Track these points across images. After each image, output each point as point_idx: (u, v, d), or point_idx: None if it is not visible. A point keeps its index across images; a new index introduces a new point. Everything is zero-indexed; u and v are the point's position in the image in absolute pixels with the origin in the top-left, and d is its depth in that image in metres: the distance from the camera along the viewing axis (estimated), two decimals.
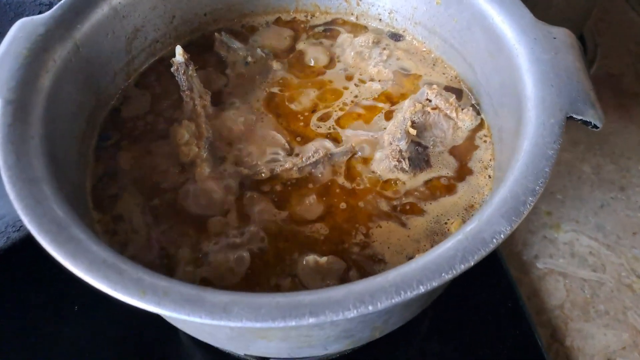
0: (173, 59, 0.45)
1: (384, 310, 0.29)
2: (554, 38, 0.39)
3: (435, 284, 0.27)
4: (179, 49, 0.45)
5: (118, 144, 0.46)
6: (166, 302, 0.27)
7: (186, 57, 0.45)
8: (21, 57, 0.39)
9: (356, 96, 0.50)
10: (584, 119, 0.35)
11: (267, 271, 0.38)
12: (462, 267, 0.28)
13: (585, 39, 0.76)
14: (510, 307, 0.53)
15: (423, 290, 0.27)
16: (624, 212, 0.63)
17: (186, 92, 0.45)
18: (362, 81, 0.50)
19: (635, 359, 0.52)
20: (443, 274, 0.27)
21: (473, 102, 0.48)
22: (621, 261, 0.59)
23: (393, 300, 0.27)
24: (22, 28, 0.40)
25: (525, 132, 0.35)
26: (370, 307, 0.26)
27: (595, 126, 0.35)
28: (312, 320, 0.26)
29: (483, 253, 0.28)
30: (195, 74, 0.46)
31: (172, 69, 0.45)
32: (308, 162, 0.43)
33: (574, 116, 0.35)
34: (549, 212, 0.63)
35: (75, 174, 0.41)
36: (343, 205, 0.42)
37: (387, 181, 0.43)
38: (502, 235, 0.29)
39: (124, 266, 0.29)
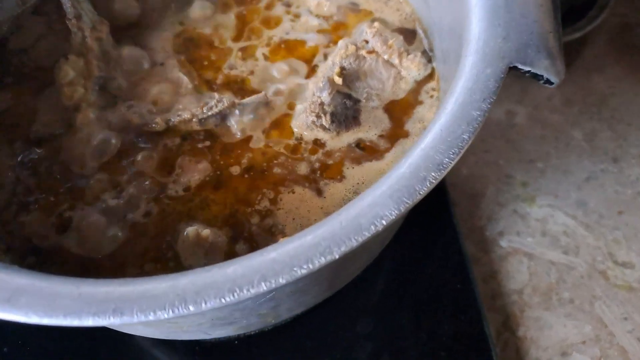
0: None
1: (236, 304, 0.23)
2: None
3: (282, 280, 0.21)
4: None
5: (1, 81, 0.39)
6: None
7: None
8: None
9: (287, 33, 0.41)
10: (533, 70, 0.26)
11: (144, 243, 0.32)
12: (323, 261, 0.21)
13: None
14: (460, 289, 0.47)
15: (266, 288, 0.21)
16: (612, 188, 0.54)
17: (72, 21, 0.38)
18: (297, 15, 0.42)
19: (594, 354, 0.45)
20: (295, 269, 0.21)
21: (426, 47, 0.39)
22: (599, 244, 0.51)
23: (223, 300, 0.20)
24: None
25: (455, 86, 0.27)
26: (191, 307, 0.20)
27: (548, 81, 0.27)
28: (114, 319, 0.20)
29: (353, 244, 0.21)
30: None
31: None
32: (210, 113, 0.36)
33: (519, 66, 0.26)
34: (525, 183, 0.54)
35: None
36: (248, 166, 0.35)
37: (305, 140, 0.36)
38: (383, 222, 0.22)
39: None
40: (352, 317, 0.46)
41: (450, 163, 0.23)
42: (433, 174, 0.23)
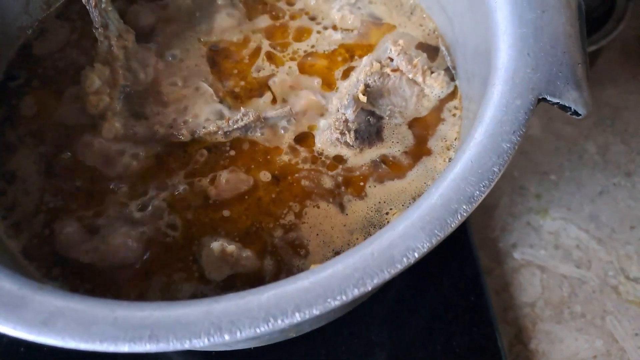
0: None
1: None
2: None
3: (316, 311, 0.21)
4: None
5: (27, 85, 0.40)
6: None
7: None
8: None
9: (312, 46, 0.41)
10: (562, 102, 0.27)
11: (169, 254, 0.33)
12: (356, 292, 0.22)
13: None
14: (473, 301, 0.47)
15: (299, 319, 0.21)
16: (625, 202, 0.54)
17: (99, 30, 0.38)
18: (323, 28, 0.42)
19: None
20: (329, 300, 0.21)
21: (449, 64, 0.39)
22: (610, 258, 0.51)
23: (257, 330, 0.21)
24: None
25: (483, 114, 0.27)
26: (227, 337, 0.21)
27: (576, 113, 0.27)
28: (150, 347, 0.21)
29: (386, 276, 0.22)
30: (111, 8, 0.38)
31: (83, 1, 0.38)
32: (236, 126, 0.36)
33: (549, 98, 0.27)
34: (538, 195, 0.55)
35: None
36: (271, 179, 0.35)
37: (328, 155, 0.36)
38: (415, 254, 0.22)
39: None
40: (367, 327, 0.46)
41: (481, 196, 0.24)
42: (464, 206, 0.23)
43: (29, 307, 0.22)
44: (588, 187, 0.55)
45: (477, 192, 0.24)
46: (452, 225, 0.23)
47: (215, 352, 0.44)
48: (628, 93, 0.61)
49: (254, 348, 0.44)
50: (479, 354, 0.45)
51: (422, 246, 0.22)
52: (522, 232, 0.53)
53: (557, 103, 0.27)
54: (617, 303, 0.49)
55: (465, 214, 0.23)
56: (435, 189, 0.25)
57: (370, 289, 0.22)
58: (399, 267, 0.22)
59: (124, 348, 0.21)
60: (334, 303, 0.21)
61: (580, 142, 0.58)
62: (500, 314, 0.48)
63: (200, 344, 0.21)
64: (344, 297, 0.21)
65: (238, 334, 0.21)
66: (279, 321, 0.21)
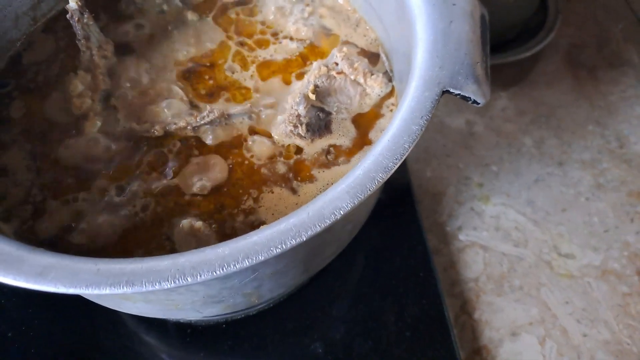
0: (67, 5, 0.42)
1: (224, 278, 0.29)
2: (454, 5, 0.36)
3: (261, 257, 0.27)
4: None
5: (15, 91, 0.44)
6: None
7: (80, 3, 0.42)
8: None
9: (271, 55, 0.47)
10: (462, 93, 0.33)
11: (145, 233, 0.38)
12: (293, 242, 0.27)
13: (547, 3, 0.71)
14: (423, 277, 0.53)
15: (248, 264, 0.27)
16: (558, 188, 0.61)
17: (82, 42, 0.43)
18: (279, 39, 0.48)
19: (540, 334, 0.52)
20: (272, 249, 0.27)
21: (387, 68, 0.46)
22: (545, 237, 0.58)
23: (214, 274, 0.26)
24: None
25: (401, 104, 0.33)
26: (189, 279, 0.26)
27: (475, 102, 0.33)
28: (127, 289, 0.26)
29: (318, 229, 0.27)
30: (92, 22, 0.43)
31: (67, 16, 0.43)
32: (202, 122, 0.42)
33: (451, 90, 0.33)
34: (481, 184, 0.61)
35: None
36: (235, 168, 0.41)
37: (284, 146, 0.42)
38: (341, 212, 0.28)
39: None
40: (328, 302, 0.52)
41: (394, 167, 0.30)
42: (380, 174, 0.29)
43: (26, 263, 0.27)
44: (525, 176, 0.62)
45: (391, 164, 0.30)
46: (370, 190, 0.29)
47: (190, 328, 0.49)
48: (562, 93, 0.69)
49: (225, 325, 0.49)
50: (429, 323, 0.51)
51: (346, 205, 0.28)
52: (467, 216, 0.59)
53: (459, 94, 0.33)
54: (550, 276, 0.56)
55: (381, 180, 0.29)
56: (360, 164, 0.30)
57: (304, 239, 0.27)
58: (328, 222, 0.28)
59: (106, 291, 0.26)
60: (276, 251, 0.27)
61: (518, 137, 0.65)
62: (447, 288, 0.54)
63: (167, 285, 0.26)
64: (283, 246, 0.27)
65: (198, 277, 0.26)
66: (232, 266, 0.26)
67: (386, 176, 0.29)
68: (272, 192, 0.40)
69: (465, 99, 0.33)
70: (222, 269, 0.26)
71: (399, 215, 0.58)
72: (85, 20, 0.43)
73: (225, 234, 0.37)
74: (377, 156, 0.30)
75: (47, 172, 0.40)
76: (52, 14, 0.49)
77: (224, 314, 0.46)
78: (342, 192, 0.29)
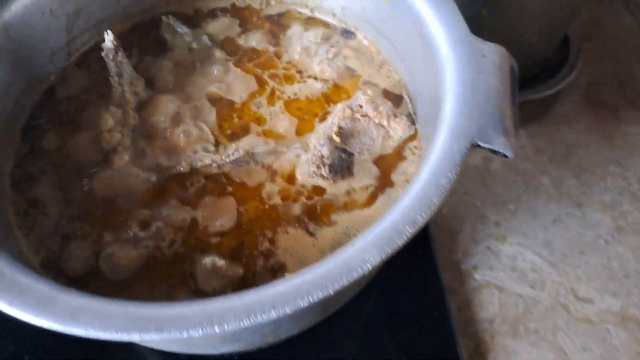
0: (102, 43, 0.44)
1: (250, 327, 0.29)
2: (483, 56, 0.37)
3: (288, 310, 0.27)
4: (108, 35, 0.44)
5: (48, 124, 0.46)
6: (18, 303, 0.27)
7: (115, 43, 0.44)
8: None
9: (295, 94, 0.48)
10: (492, 147, 0.33)
11: (168, 269, 0.39)
12: (320, 295, 0.27)
13: (569, 42, 0.72)
14: (437, 317, 0.53)
15: (275, 316, 0.27)
16: (576, 230, 0.61)
17: (115, 78, 0.44)
18: (304, 78, 0.49)
19: None
20: (299, 300, 0.27)
21: (411, 110, 0.46)
22: (562, 280, 0.58)
23: (242, 324, 0.27)
24: None
25: (429, 156, 0.34)
26: (216, 328, 0.26)
27: (504, 155, 0.34)
28: (154, 336, 0.26)
29: (344, 282, 0.28)
30: (125, 60, 0.45)
31: (102, 54, 0.44)
32: (227, 160, 0.43)
33: (480, 144, 0.33)
34: (498, 223, 0.61)
35: None
36: (258, 207, 0.42)
37: (306, 186, 0.43)
38: (368, 265, 0.28)
39: None
40: (340, 339, 0.52)
41: (422, 220, 0.30)
42: (408, 228, 0.30)
43: (58, 304, 0.27)
44: (543, 216, 0.62)
45: (419, 217, 0.30)
46: (398, 243, 0.29)
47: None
48: (581, 133, 0.69)
49: (238, 357, 0.49)
50: None
51: (373, 259, 0.28)
52: (483, 255, 0.59)
53: (488, 147, 0.33)
54: (567, 320, 0.55)
55: (409, 234, 0.30)
56: (388, 215, 0.31)
57: (332, 292, 0.28)
58: (355, 276, 0.28)
59: (135, 337, 0.26)
60: (303, 303, 0.27)
61: (536, 176, 0.65)
62: (461, 329, 0.54)
63: (196, 334, 0.26)
64: (310, 299, 0.27)
65: (226, 326, 0.26)
66: (259, 316, 0.27)
67: (414, 230, 0.30)
68: (287, 233, 0.40)
69: (494, 152, 0.33)
70: (249, 319, 0.27)
71: (414, 252, 0.58)
72: (119, 59, 0.44)
73: (246, 276, 0.38)
74: (405, 208, 0.31)
75: (75, 205, 0.41)
76: (85, 48, 0.50)
77: (239, 351, 0.46)
78: (369, 245, 0.29)
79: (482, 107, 0.35)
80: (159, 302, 0.28)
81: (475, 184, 0.64)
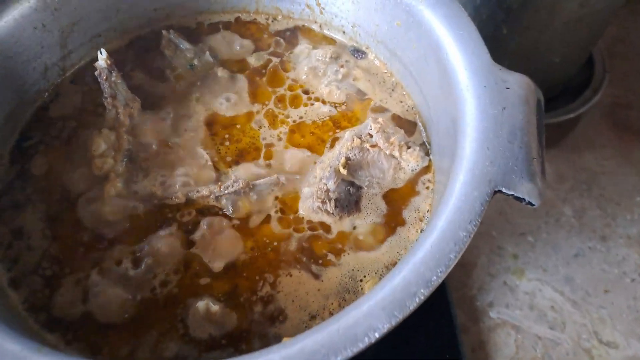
0: (96, 63, 0.41)
1: None
2: (507, 88, 0.33)
3: None
4: (101, 53, 0.41)
5: (39, 145, 0.43)
6: None
7: (109, 62, 0.41)
8: None
9: (301, 117, 0.45)
10: (516, 194, 0.30)
11: (159, 312, 0.35)
12: None
13: (594, 62, 0.68)
14: (448, 359, 0.49)
15: None
16: (599, 266, 0.57)
17: (108, 100, 0.42)
18: (311, 100, 0.46)
19: None
20: None
21: (425, 139, 0.43)
22: (584, 321, 0.53)
23: None
24: None
25: (445, 201, 0.30)
26: None
27: (530, 203, 0.30)
28: None
29: (348, 354, 0.24)
30: (120, 80, 0.42)
31: (95, 73, 0.42)
32: (226, 192, 0.39)
33: (504, 191, 0.30)
34: (515, 256, 0.57)
35: None
36: (258, 246, 0.38)
37: (310, 223, 0.39)
38: (376, 334, 0.25)
39: None
40: None
41: (438, 281, 0.27)
42: (422, 290, 0.26)
43: None
44: (564, 249, 0.58)
45: (435, 277, 0.27)
46: (410, 308, 0.26)
47: None
48: (604, 159, 0.65)
49: None
50: None
51: (382, 327, 0.25)
52: (499, 291, 0.55)
53: (512, 195, 0.30)
54: None
55: (423, 297, 0.26)
56: (398, 272, 0.27)
57: None
58: (361, 346, 0.25)
59: None
60: None
61: (557, 206, 0.61)
62: None
63: None
64: None
65: None
66: None
67: (428, 292, 0.26)
68: (290, 276, 0.37)
69: (519, 199, 0.30)
70: None
71: None
72: (113, 79, 0.41)
73: (242, 326, 0.35)
74: (418, 265, 0.27)
75: (62, 238, 0.38)
76: (81, 64, 0.48)
77: None
78: (378, 309, 0.26)
79: (506, 148, 0.31)
80: None
81: (492, 212, 0.60)
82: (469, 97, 0.34)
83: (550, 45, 0.59)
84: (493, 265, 0.57)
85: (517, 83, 0.34)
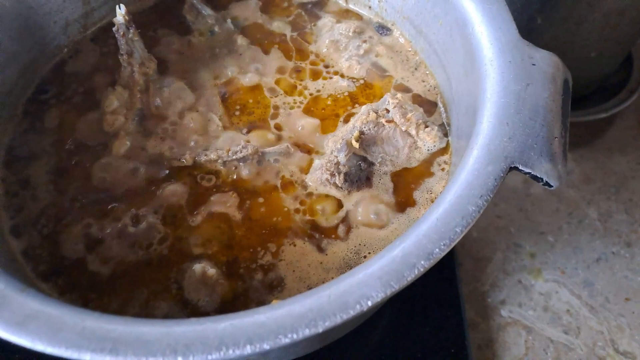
0: (114, 18, 0.41)
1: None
2: (533, 65, 0.31)
3: (266, 346, 0.23)
4: (120, 9, 0.40)
5: (53, 99, 0.43)
6: None
7: (127, 18, 0.40)
8: None
9: (318, 90, 0.44)
10: (534, 173, 0.28)
11: (153, 272, 0.35)
12: (307, 332, 0.23)
13: (633, 60, 0.64)
14: (454, 353, 0.47)
15: (249, 351, 0.23)
16: (622, 272, 0.54)
17: (124, 57, 0.41)
18: (330, 74, 0.44)
19: None
20: (280, 336, 0.23)
21: (444, 120, 0.41)
22: (601, 328, 0.51)
23: (209, 357, 0.22)
24: None
25: (458, 176, 0.28)
26: (179, 358, 0.22)
27: (548, 184, 0.28)
28: (108, 358, 0.22)
29: (337, 320, 0.23)
30: (137, 38, 0.41)
31: (113, 29, 0.41)
32: (234, 157, 0.39)
33: (521, 168, 0.28)
34: (533, 254, 0.55)
35: None
36: (262, 211, 0.37)
37: (317, 195, 0.38)
38: (369, 302, 0.23)
39: None
40: None
41: (440, 254, 0.25)
42: (422, 262, 0.25)
43: (8, 307, 0.24)
44: (585, 252, 0.55)
45: (437, 250, 0.25)
46: (408, 279, 0.24)
47: None
48: (636, 163, 0.61)
49: None
50: None
51: (376, 295, 0.24)
52: (513, 289, 0.53)
53: (529, 173, 0.28)
54: None
55: (422, 269, 0.24)
56: (400, 242, 0.26)
57: (320, 330, 0.23)
58: (351, 313, 0.23)
59: (86, 357, 0.22)
60: (284, 340, 0.23)
61: (582, 207, 0.58)
62: None
63: None
64: (294, 336, 0.23)
65: (190, 357, 0.22)
66: (230, 351, 0.22)
67: (428, 264, 0.25)
68: (294, 246, 0.36)
69: (536, 179, 0.28)
70: (219, 352, 0.22)
71: (436, 277, 0.52)
72: (130, 35, 0.41)
73: (237, 291, 0.34)
74: (421, 237, 0.25)
75: (67, 192, 0.38)
76: (102, 23, 0.48)
77: None
78: (374, 277, 0.24)
79: (526, 125, 0.29)
80: (122, 318, 0.24)
81: (512, 207, 0.58)
82: (491, 73, 0.32)
83: (587, 39, 0.56)
84: (509, 262, 0.54)
85: (544, 60, 0.32)
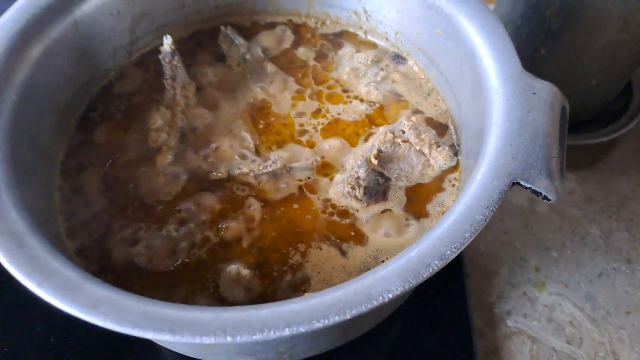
0: (161, 47, 0.46)
1: (263, 341, 0.29)
2: (534, 94, 0.36)
3: (302, 329, 0.26)
4: (167, 39, 0.46)
5: (101, 117, 0.48)
6: (46, 285, 0.28)
7: (173, 47, 0.45)
8: (18, 26, 0.42)
9: (339, 113, 0.48)
10: (533, 188, 0.32)
11: (192, 272, 0.39)
12: (337, 319, 0.27)
13: (633, 88, 0.68)
14: (461, 359, 0.51)
15: (288, 333, 0.26)
16: (623, 287, 0.57)
17: (168, 81, 0.46)
18: (350, 98, 0.49)
19: None
20: (314, 322, 0.27)
21: (454, 141, 0.45)
22: (603, 340, 0.53)
23: (253, 337, 0.26)
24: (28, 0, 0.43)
25: (466, 190, 0.32)
26: (228, 338, 0.26)
27: (546, 198, 0.32)
28: (168, 337, 0.26)
29: (363, 309, 0.27)
30: (180, 64, 0.46)
31: (159, 56, 0.46)
32: (264, 171, 0.43)
33: (522, 183, 0.32)
34: (538, 268, 0.58)
35: (47, 139, 0.43)
36: (289, 219, 0.41)
37: (338, 206, 0.42)
38: (390, 295, 0.27)
39: (29, 241, 0.30)
40: None
41: (452, 255, 0.29)
42: (436, 261, 0.28)
43: (82, 292, 0.28)
44: (588, 268, 0.58)
45: (449, 252, 0.29)
46: (424, 276, 0.28)
47: None
48: (637, 184, 0.65)
49: None
50: None
51: (396, 289, 0.27)
52: (518, 301, 0.56)
53: (530, 188, 0.32)
54: None
55: (436, 268, 0.28)
56: (416, 245, 0.30)
57: (348, 317, 0.27)
58: (375, 304, 0.27)
59: (149, 335, 0.26)
60: (317, 325, 0.27)
61: (584, 225, 0.61)
62: None
63: (208, 341, 0.26)
64: (325, 321, 0.27)
65: (238, 337, 0.26)
66: (272, 332, 0.26)
67: (441, 264, 0.28)
68: (320, 249, 0.40)
69: (536, 193, 0.32)
70: (262, 334, 0.26)
71: (445, 287, 0.56)
72: (175, 62, 0.46)
73: (267, 290, 0.38)
74: (435, 241, 0.29)
75: (115, 199, 0.42)
76: (146, 49, 0.53)
77: None
78: (394, 274, 0.28)
79: (527, 146, 0.33)
80: (177, 304, 0.28)
81: (518, 224, 0.61)
82: (497, 100, 0.36)
83: (588, 68, 0.61)
84: (514, 275, 0.58)
85: (544, 90, 0.36)
